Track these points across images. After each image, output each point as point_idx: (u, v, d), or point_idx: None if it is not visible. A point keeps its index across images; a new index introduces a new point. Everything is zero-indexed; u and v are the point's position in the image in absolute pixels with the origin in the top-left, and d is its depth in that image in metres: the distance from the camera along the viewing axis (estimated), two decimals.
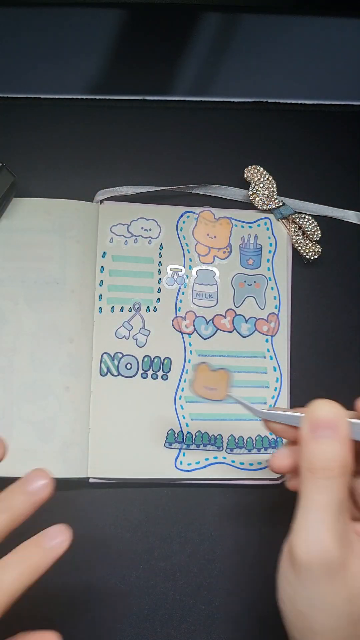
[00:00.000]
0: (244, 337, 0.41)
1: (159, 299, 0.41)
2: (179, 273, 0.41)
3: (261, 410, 0.31)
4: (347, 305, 0.43)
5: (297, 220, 0.42)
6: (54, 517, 0.29)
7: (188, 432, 0.39)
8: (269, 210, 0.43)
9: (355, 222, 0.44)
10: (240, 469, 0.39)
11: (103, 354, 0.40)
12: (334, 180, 0.44)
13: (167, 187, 0.42)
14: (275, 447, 0.39)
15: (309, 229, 0.42)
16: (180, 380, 0.40)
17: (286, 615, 0.27)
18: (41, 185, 0.42)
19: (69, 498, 0.39)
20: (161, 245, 0.41)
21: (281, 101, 0.46)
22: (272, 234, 0.42)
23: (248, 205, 0.43)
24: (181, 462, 0.39)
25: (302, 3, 0.41)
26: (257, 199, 0.42)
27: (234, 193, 0.43)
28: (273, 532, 0.38)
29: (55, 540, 0.28)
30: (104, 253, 0.41)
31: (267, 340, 0.41)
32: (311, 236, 0.42)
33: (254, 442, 0.40)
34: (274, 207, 0.42)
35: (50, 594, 0.32)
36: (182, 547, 0.39)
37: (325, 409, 0.28)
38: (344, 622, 0.26)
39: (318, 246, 0.42)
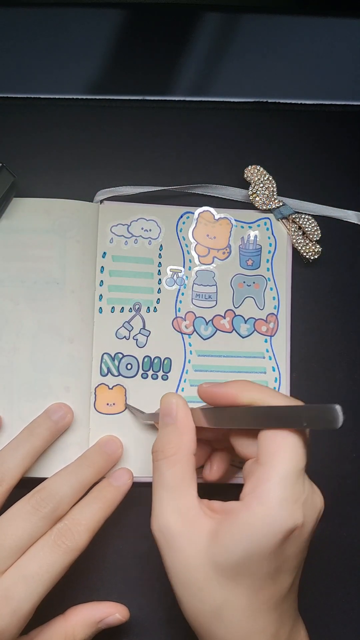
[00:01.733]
0: (243, 337, 0.41)
1: (159, 299, 0.41)
2: (179, 274, 0.41)
3: (142, 413, 0.38)
4: (347, 305, 0.43)
5: (297, 220, 0.42)
6: None
7: None
8: (269, 210, 0.43)
9: (355, 222, 0.44)
10: (239, 467, 0.39)
11: (103, 354, 0.40)
12: (334, 180, 0.44)
13: (167, 187, 0.42)
14: None
15: (309, 229, 0.42)
16: (180, 380, 0.40)
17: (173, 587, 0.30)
18: (41, 185, 0.42)
19: None
20: (161, 246, 0.41)
21: (281, 101, 0.45)
22: (272, 234, 0.42)
23: (248, 205, 0.43)
24: None
25: (302, 3, 0.41)
26: (257, 199, 0.42)
27: (234, 193, 0.43)
28: None
29: (122, 479, 0.36)
30: (104, 253, 0.41)
31: (266, 341, 0.41)
32: (311, 236, 0.42)
33: None
34: (274, 207, 0.42)
35: (50, 594, 0.32)
36: None
37: (165, 400, 0.32)
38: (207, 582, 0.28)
39: (318, 246, 0.42)
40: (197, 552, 0.28)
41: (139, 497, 0.37)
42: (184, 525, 0.29)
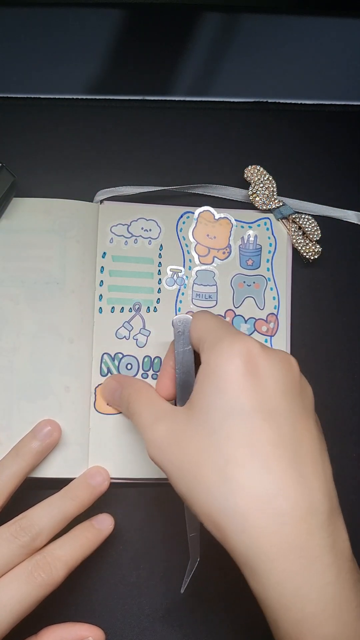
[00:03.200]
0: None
1: (159, 299, 0.41)
2: (179, 274, 0.41)
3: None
4: (347, 305, 0.43)
5: (297, 220, 0.42)
6: None
7: None
8: (269, 210, 0.43)
9: (355, 222, 0.44)
10: None
11: (103, 354, 0.40)
12: (334, 180, 0.44)
13: (167, 187, 0.42)
14: None
15: (309, 229, 0.42)
16: None
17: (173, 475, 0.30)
18: (41, 185, 0.42)
19: None
20: (161, 245, 0.41)
21: (281, 101, 0.46)
22: (272, 234, 0.42)
23: (248, 205, 0.43)
24: None
25: (302, 3, 0.41)
26: (257, 199, 0.42)
27: (234, 193, 0.43)
28: None
29: (105, 523, 0.36)
30: (104, 253, 0.41)
31: (266, 341, 0.41)
32: (311, 236, 0.42)
33: None
34: (274, 207, 0.42)
35: (50, 594, 0.32)
36: (182, 547, 0.39)
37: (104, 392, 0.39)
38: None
39: (318, 246, 0.42)
40: (193, 434, 0.29)
41: (139, 497, 0.37)
42: (171, 431, 0.30)
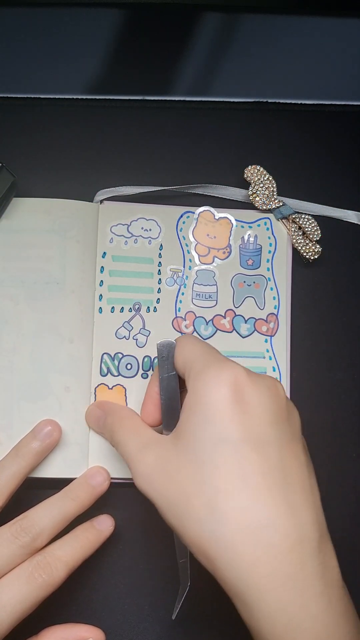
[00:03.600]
0: (243, 337, 0.41)
1: (159, 299, 0.41)
2: (179, 273, 0.41)
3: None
4: (347, 305, 0.43)
5: (297, 220, 0.42)
6: None
7: None
8: (269, 210, 0.43)
9: (355, 222, 0.44)
10: None
11: (103, 354, 0.40)
12: (334, 180, 0.44)
13: (167, 187, 0.42)
14: None
15: (309, 229, 0.42)
16: None
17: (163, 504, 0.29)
18: (41, 185, 0.42)
19: None
20: (161, 245, 0.41)
21: (281, 101, 0.45)
22: (272, 234, 0.42)
23: (248, 205, 0.43)
24: None
25: (302, 3, 0.41)
26: (257, 199, 0.42)
27: (234, 193, 0.43)
28: None
29: (105, 524, 0.36)
30: (104, 253, 0.41)
31: (266, 341, 0.41)
32: (311, 236, 0.42)
33: None
34: (274, 207, 0.42)
35: (51, 593, 0.32)
36: None
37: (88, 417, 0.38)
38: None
39: (318, 246, 0.42)
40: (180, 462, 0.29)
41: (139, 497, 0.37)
42: (158, 460, 0.30)
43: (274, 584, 0.26)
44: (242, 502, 0.27)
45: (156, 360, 0.39)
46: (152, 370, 0.40)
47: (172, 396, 0.33)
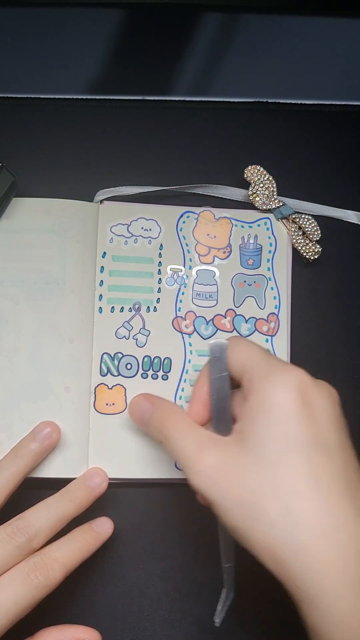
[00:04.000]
0: (244, 337, 0.41)
1: (159, 299, 0.41)
2: (179, 273, 0.41)
3: None
4: (347, 305, 0.43)
5: (297, 220, 0.42)
6: None
7: None
8: (269, 210, 0.43)
9: (355, 222, 0.44)
10: None
11: (103, 354, 0.40)
12: (334, 180, 0.44)
13: (167, 187, 0.42)
14: None
15: (309, 229, 0.42)
16: (180, 380, 0.40)
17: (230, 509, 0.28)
18: (41, 185, 0.42)
19: None
20: (161, 245, 0.41)
21: (281, 101, 0.46)
22: (272, 234, 0.42)
23: (248, 205, 0.43)
24: None
25: (302, 3, 0.41)
26: (257, 199, 0.42)
27: (234, 193, 0.43)
28: None
29: (103, 526, 0.36)
30: (104, 253, 0.41)
31: (267, 341, 0.41)
32: (311, 236, 0.42)
33: None
34: (274, 207, 0.42)
35: (50, 594, 0.32)
36: (183, 547, 0.39)
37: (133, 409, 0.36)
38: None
39: (318, 246, 0.42)
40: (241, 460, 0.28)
41: (139, 497, 0.37)
42: (222, 461, 0.29)
43: (347, 587, 0.26)
44: (316, 505, 0.27)
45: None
46: (152, 369, 0.40)
47: (223, 397, 0.33)
